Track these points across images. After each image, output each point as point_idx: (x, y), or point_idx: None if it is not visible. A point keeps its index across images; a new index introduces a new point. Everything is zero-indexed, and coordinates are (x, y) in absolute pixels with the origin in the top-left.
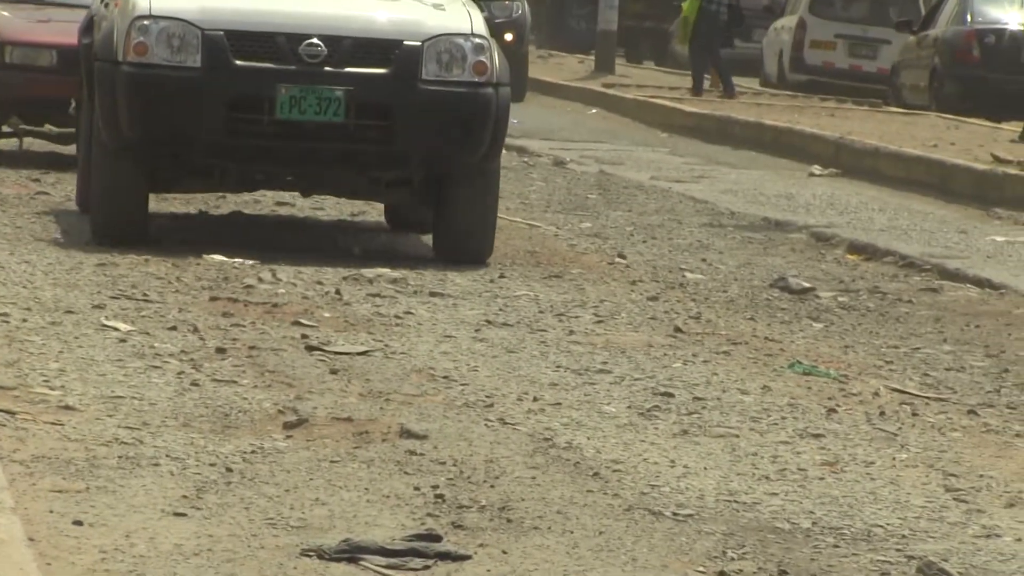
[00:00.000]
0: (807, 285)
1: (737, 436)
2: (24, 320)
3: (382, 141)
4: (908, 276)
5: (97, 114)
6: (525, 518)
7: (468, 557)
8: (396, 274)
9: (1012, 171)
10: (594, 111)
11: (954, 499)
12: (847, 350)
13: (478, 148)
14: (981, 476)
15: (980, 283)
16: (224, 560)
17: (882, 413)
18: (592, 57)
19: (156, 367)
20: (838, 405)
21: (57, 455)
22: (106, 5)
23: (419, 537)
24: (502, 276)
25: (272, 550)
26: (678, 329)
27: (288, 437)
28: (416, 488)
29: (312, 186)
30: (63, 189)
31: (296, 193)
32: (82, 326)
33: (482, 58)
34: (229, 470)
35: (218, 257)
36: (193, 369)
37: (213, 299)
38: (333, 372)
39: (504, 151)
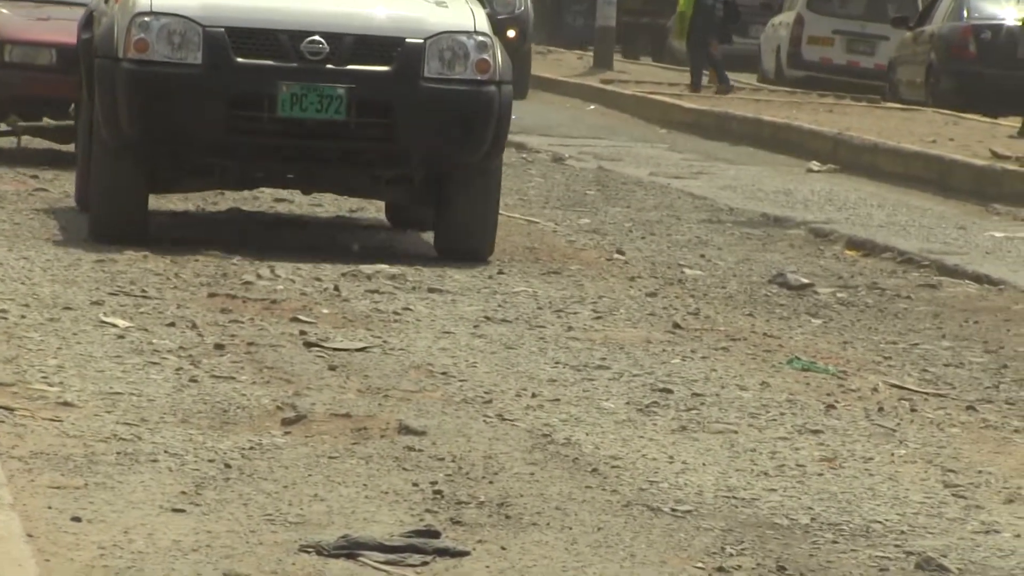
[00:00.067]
0: (806, 281)
1: (736, 432)
2: (22, 316)
3: (383, 139)
4: (907, 272)
5: (97, 111)
6: (524, 514)
7: (467, 553)
8: (395, 270)
9: (1011, 167)
10: (593, 107)
11: (953, 495)
12: (846, 346)
13: (480, 147)
14: (980, 472)
15: (979, 279)
16: (223, 556)
17: (881, 409)
18: (590, 53)
19: (154, 363)
20: (837, 401)
21: (56, 451)
22: (106, 1)
23: (418, 533)
24: (501, 272)
25: (271, 546)
26: (677, 325)
27: (286, 433)
28: (415, 484)
29: (313, 184)
30: (61, 186)
31: (295, 190)
32: (80, 322)
33: (485, 56)
34: (228, 466)
35: (217, 253)
36: (191, 365)
37: (211, 295)
38: (331, 368)
39: None
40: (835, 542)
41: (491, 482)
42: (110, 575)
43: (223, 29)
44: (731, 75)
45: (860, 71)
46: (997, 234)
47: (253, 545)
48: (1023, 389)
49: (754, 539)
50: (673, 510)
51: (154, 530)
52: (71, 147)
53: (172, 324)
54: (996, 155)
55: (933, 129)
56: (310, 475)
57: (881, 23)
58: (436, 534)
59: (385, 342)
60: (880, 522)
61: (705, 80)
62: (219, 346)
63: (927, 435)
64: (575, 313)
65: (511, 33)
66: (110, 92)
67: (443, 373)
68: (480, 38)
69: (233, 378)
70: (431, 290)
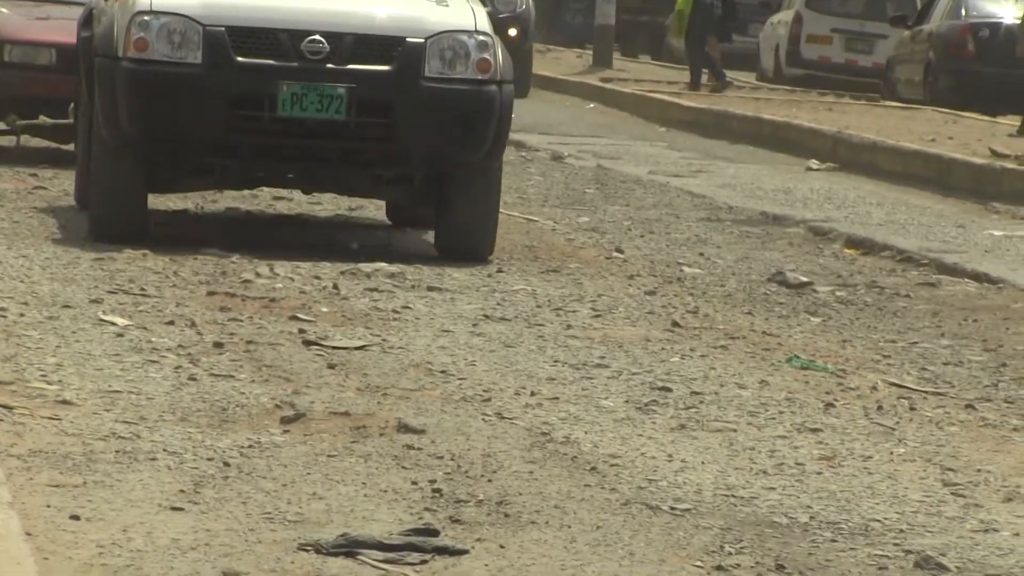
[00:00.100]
0: (805, 279)
1: (735, 430)
2: (21, 315)
3: (384, 139)
4: (906, 270)
5: (97, 111)
6: (522, 512)
7: (466, 551)
8: (394, 269)
9: (1010, 165)
10: (592, 105)
11: (952, 493)
12: (845, 344)
13: (481, 147)
14: (979, 470)
15: (978, 277)
16: (221, 554)
17: (880, 407)
18: (589, 51)
19: (153, 362)
20: (836, 399)
21: (54, 450)
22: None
23: (416, 531)
24: (500, 271)
25: (269, 544)
26: (676, 323)
27: (285, 432)
28: (413, 482)
29: (313, 184)
30: (60, 184)
31: (295, 189)
32: (79, 321)
33: (486, 55)
34: (226, 464)
35: (216, 252)
36: (190, 364)
37: (210, 294)
38: (330, 367)
39: None
40: (834, 541)
41: (490, 480)
42: (109, 573)
43: (223, 28)
44: (729, 73)
45: (858, 70)
46: (996, 232)
47: (252, 543)
48: (1022, 387)
49: (753, 537)
50: (672, 508)
51: (153, 528)
52: (71, 146)
53: (171, 322)
54: (995, 154)
55: (932, 128)
56: (309, 473)
57: (880, 22)
58: (435, 532)
59: (384, 340)
60: (879, 520)
61: (705, 79)
62: (218, 344)
63: (926, 434)
64: (574, 311)
65: (512, 32)
66: (110, 91)
67: (442, 371)
68: (481, 37)
69: (232, 376)
70: (430, 288)
